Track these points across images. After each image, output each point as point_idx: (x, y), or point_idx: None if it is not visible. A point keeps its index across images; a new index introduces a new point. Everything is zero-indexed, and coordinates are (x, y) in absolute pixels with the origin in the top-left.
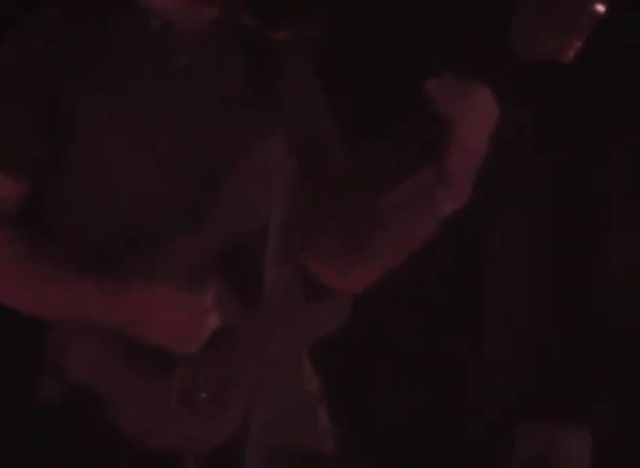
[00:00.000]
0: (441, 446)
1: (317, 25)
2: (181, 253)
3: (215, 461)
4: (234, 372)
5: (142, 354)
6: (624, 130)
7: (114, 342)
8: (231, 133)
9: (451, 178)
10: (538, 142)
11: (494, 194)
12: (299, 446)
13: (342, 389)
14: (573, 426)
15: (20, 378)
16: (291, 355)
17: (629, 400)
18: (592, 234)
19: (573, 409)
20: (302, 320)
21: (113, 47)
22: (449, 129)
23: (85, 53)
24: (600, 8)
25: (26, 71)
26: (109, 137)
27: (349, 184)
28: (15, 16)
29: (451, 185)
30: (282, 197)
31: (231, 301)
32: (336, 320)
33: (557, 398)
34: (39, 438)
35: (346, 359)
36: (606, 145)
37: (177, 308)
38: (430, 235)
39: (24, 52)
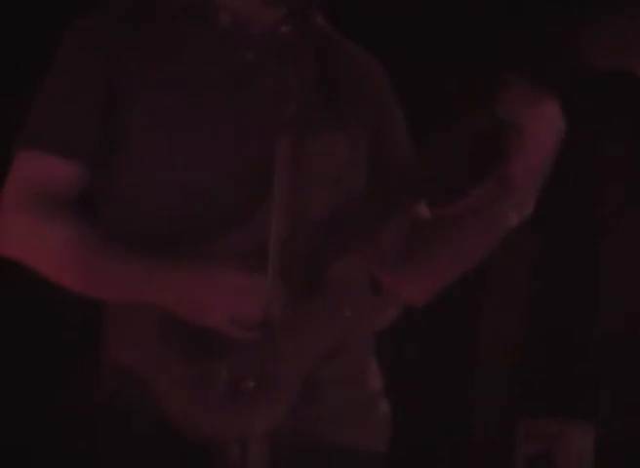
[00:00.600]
0: (444, 445)
1: None
2: (233, 245)
3: (257, 452)
4: (283, 363)
5: (192, 342)
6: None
7: (165, 330)
8: (290, 125)
9: (515, 183)
10: None
11: None
12: (350, 442)
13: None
14: (575, 422)
15: (78, 378)
16: (346, 350)
17: (632, 395)
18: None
19: (575, 405)
20: (356, 315)
21: (179, 40)
22: (516, 135)
23: (150, 44)
24: None
25: (90, 57)
26: (168, 129)
27: (406, 185)
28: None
29: (514, 191)
30: (337, 197)
31: (285, 292)
32: (387, 318)
33: (560, 395)
34: (91, 432)
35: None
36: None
37: (235, 290)
38: (495, 247)
39: (90, 37)
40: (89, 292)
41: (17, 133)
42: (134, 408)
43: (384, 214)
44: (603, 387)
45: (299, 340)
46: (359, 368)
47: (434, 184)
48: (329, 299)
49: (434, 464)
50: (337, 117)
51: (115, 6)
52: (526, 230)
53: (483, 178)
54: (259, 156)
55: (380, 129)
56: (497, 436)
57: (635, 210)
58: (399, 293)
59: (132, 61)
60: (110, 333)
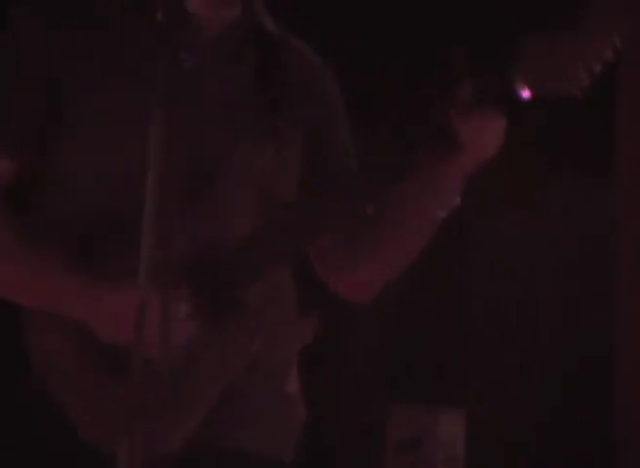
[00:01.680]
0: (315, 431)
1: None
2: (161, 251)
3: (163, 465)
4: (195, 380)
5: (104, 355)
6: None
7: (79, 342)
8: (228, 134)
9: (445, 186)
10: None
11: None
12: (256, 451)
13: None
14: (446, 409)
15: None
16: (264, 366)
17: (503, 383)
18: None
19: (447, 391)
20: (278, 330)
21: (119, 33)
22: (457, 143)
23: (89, 39)
24: (615, 41)
25: (28, 53)
26: (103, 127)
27: (347, 184)
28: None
29: (444, 191)
30: (271, 203)
31: (201, 311)
32: (306, 336)
33: (432, 381)
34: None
35: None
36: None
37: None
38: (428, 241)
39: (27, 33)
40: (11, 296)
41: None
42: (44, 413)
43: (307, 234)
44: (473, 373)
45: (215, 359)
46: (276, 373)
47: (364, 198)
48: (246, 319)
49: (307, 452)
50: (272, 125)
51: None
52: None
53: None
54: (190, 156)
55: (317, 132)
56: (367, 422)
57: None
58: (344, 294)
59: (69, 51)
60: (30, 340)
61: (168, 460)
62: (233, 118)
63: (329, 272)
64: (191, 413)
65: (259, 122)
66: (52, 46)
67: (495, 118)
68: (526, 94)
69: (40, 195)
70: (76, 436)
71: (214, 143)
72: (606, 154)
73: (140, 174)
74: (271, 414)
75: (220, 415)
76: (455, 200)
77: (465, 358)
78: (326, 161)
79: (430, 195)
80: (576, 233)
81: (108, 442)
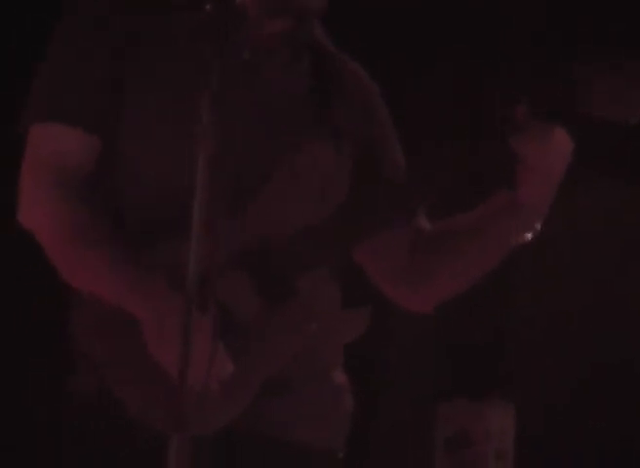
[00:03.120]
0: (363, 428)
1: None
2: (213, 243)
3: (209, 447)
4: (244, 365)
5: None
6: None
7: (128, 326)
8: (282, 132)
9: (521, 208)
10: None
11: None
12: (307, 441)
13: None
14: (494, 401)
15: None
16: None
17: (550, 376)
18: None
19: (495, 385)
20: (322, 328)
21: (180, 29)
22: (524, 167)
23: (150, 28)
24: None
25: (96, 32)
26: (161, 112)
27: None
28: None
29: (519, 215)
30: (318, 208)
31: (251, 293)
32: (355, 330)
33: (480, 375)
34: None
35: None
36: None
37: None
38: (497, 264)
39: (96, 11)
40: (78, 282)
41: (22, 110)
42: (93, 398)
43: (360, 231)
44: (522, 367)
45: (264, 345)
46: (325, 365)
47: (417, 204)
48: (297, 309)
49: (357, 448)
50: (325, 128)
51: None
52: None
53: (489, 195)
54: (244, 152)
55: (368, 142)
56: (415, 418)
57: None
58: (404, 305)
59: (134, 42)
60: (77, 326)
61: (218, 443)
62: (287, 117)
63: (391, 285)
64: (239, 396)
65: (312, 123)
66: (116, 33)
67: (554, 132)
68: (585, 115)
69: (100, 180)
70: (128, 418)
71: (268, 140)
72: None
73: (194, 167)
74: (320, 405)
75: (270, 405)
76: (535, 224)
77: (513, 352)
78: (376, 170)
79: (509, 218)
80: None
81: (159, 423)
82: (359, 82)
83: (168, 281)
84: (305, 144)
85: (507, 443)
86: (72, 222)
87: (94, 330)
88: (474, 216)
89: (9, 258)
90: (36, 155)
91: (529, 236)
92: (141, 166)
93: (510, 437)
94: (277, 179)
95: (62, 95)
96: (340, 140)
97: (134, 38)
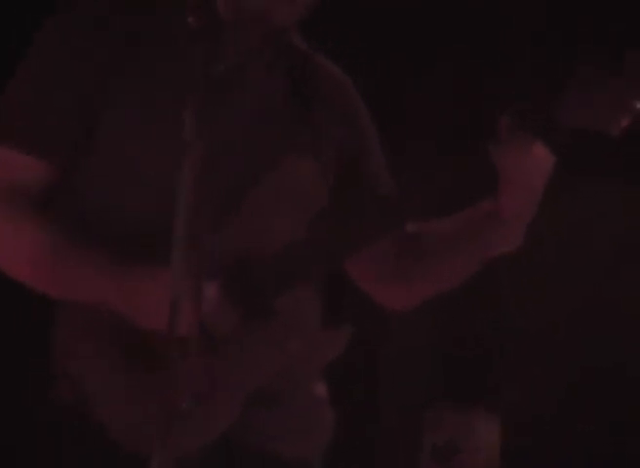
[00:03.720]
0: (355, 433)
1: None
2: (192, 254)
3: (192, 463)
4: (225, 381)
5: (135, 356)
6: None
7: (110, 342)
8: (263, 145)
9: (500, 220)
10: None
11: None
12: (288, 453)
13: None
14: (481, 412)
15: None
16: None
17: (536, 386)
18: None
19: (482, 395)
20: (302, 345)
21: (154, 45)
22: (504, 180)
23: (127, 43)
24: None
25: (67, 57)
26: (137, 130)
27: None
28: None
29: (500, 226)
30: (306, 215)
31: (231, 310)
32: (335, 349)
33: (467, 384)
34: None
35: None
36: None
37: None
38: (473, 272)
39: (67, 36)
40: (43, 286)
41: None
42: (74, 414)
43: (344, 247)
44: (507, 378)
45: (245, 362)
46: (306, 379)
47: (402, 219)
48: (278, 326)
49: (348, 450)
50: (306, 140)
51: (98, 2)
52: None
53: (471, 203)
54: (226, 166)
55: (351, 150)
56: (405, 425)
57: None
58: (387, 304)
59: (107, 60)
60: (59, 340)
61: (201, 460)
62: (267, 131)
63: (374, 286)
64: (223, 412)
65: (293, 136)
66: (90, 49)
67: (534, 146)
68: (570, 126)
69: (70, 197)
70: (108, 438)
71: (248, 155)
72: None
73: (174, 178)
74: (302, 417)
75: (253, 418)
76: (514, 236)
77: (501, 364)
78: (360, 179)
79: (489, 229)
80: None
81: (140, 442)
82: (340, 88)
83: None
84: (286, 159)
85: (494, 453)
86: (23, 236)
87: (73, 347)
88: (457, 223)
89: None
90: None
91: (509, 247)
92: (119, 179)
93: (497, 447)
94: (257, 194)
95: (21, 116)
96: (321, 150)
97: (111, 54)
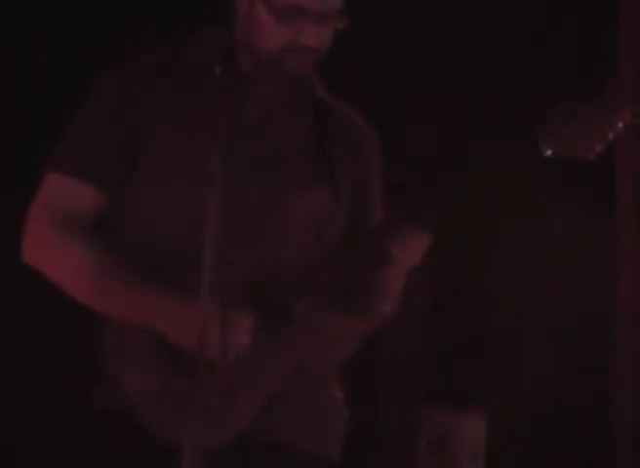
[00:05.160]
0: (357, 431)
1: None
2: (222, 275)
3: (219, 457)
4: (251, 382)
5: (170, 361)
6: None
7: (149, 350)
8: (284, 180)
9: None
10: None
11: None
12: (306, 447)
13: None
14: (468, 410)
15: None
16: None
17: (520, 387)
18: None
19: (468, 396)
20: (316, 350)
21: (190, 94)
22: (387, 262)
23: (165, 97)
24: (627, 117)
25: (118, 99)
26: (174, 166)
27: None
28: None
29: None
30: (315, 246)
31: (257, 325)
32: (346, 352)
33: (457, 387)
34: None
35: None
36: None
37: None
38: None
39: (120, 82)
40: (96, 306)
41: (48, 156)
42: (118, 411)
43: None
44: (493, 380)
45: (265, 366)
46: (325, 380)
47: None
48: (294, 333)
49: (351, 448)
50: (323, 177)
51: (143, 57)
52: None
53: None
54: (251, 197)
55: (361, 186)
56: (402, 423)
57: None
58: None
59: (150, 106)
60: (106, 348)
61: (227, 452)
62: (288, 168)
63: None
64: (245, 409)
65: (311, 172)
66: (134, 101)
67: (419, 236)
68: (548, 153)
69: (114, 226)
70: (144, 430)
71: (271, 188)
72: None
73: (205, 208)
74: (320, 414)
75: (274, 414)
76: (389, 302)
77: (487, 366)
78: (366, 213)
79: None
80: (580, 263)
81: (173, 434)
82: (354, 132)
83: (180, 297)
84: (304, 192)
85: (480, 446)
86: (85, 264)
87: (117, 349)
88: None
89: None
90: (44, 202)
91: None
92: (157, 209)
93: (482, 441)
94: (278, 222)
95: (78, 150)
96: (335, 188)
97: (150, 104)
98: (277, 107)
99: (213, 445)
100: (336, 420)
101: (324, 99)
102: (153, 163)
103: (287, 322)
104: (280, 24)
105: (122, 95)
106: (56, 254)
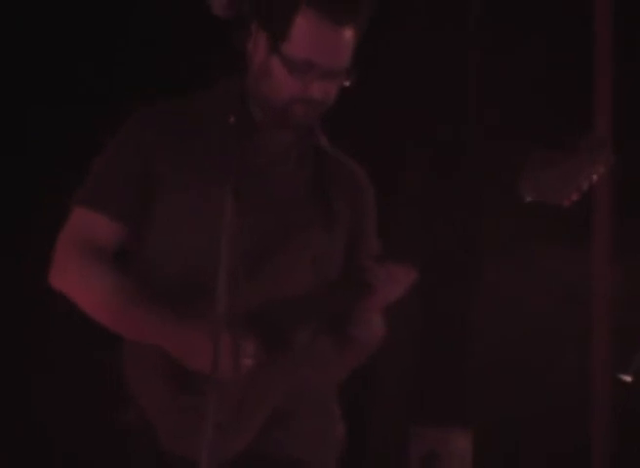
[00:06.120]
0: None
1: None
2: (232, 303)
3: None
4: (252, 402)
5: (182, 383)
6: None
7: (164, 372)
8: (287, 220)
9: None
10: None
11: None
12: (306, 460)
13: None
14: (456, 428)
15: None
16: (310, 385)
17: (503, 406)
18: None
19: (459, 414)
20: (316, 371)
21: (205, 140)
22: (370, 292)
23: (182, 141)
24: (600, 170)
25: (136, 145)
26: (188, 205)
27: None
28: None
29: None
30: (314, 277)
31: (260, 349)
32: (342, 374)
33: (446, 405)
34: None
35: None
36: None
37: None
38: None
39: (138, 130)
40: (114, 328)
41: (75, 191)
42: (136, 429)
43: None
44: (479, 399)
45: (267, 386)
46: (323, 398)
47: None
48: (294, 356)
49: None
50: (322, 218)
51: (161, 105)
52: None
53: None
54: (258, 234)
55: (357, 224)
56: (395, 439)
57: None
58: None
59: (167, 151)
60: (125, 371)
61: (234, 465)
62: (292, 210)
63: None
64: (249, 425)
65: (312, 214)
66: (151, 145)
67: (404, 272)
68: (527, 199)
69: (132, 258)
70: (160, 445)
71: (276, 228)
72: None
73: (217, 244)
74: (318, 428)
75: (275, 429)
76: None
77: (473, 388)
78: (360, 251)
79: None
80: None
81: (187, 449)
82: (351, 178)
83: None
84: (304, 232)
85: (467, 460)
86: (108, 294)
87: (136, 371)
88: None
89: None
90: (71, 232)
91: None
92: (173, 243)
93: (469, 455)
94: (282, 258)
95: (102, 186)
96: (333, 228)
97: (167, 149)
98: (282, 154)
99: (223, 458)
100: (333, 434)
101: (325, 148)
102: (169, 201)
103: (285, 347)
104: (291, 76)
105: (141, 139)
106: (78, 280)
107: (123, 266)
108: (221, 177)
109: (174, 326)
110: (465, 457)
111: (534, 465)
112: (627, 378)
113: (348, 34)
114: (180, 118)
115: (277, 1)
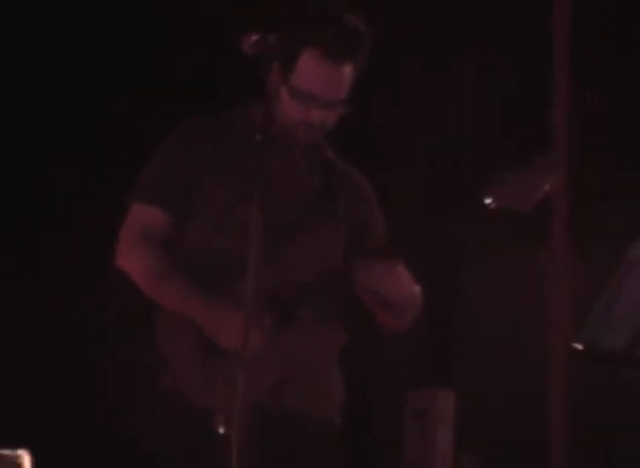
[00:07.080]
0: (358, 405)
1: None
2: (253, 287)
3: (242, 416)
4: (267, 361)
5: (207, 347)
6: None
7: (192, 337)
8: (301, 218)
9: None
10: None
11: None
12: (312, 412)
13: None
14: (442, 389)
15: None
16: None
17: (482, 375)
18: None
19: (445, 377)
20: (319, 340)
21: (233, 149)
22: (374, 296)
23: (217, 147)
24: (553, 180)
25: (182, 147)
26: (223, 203)
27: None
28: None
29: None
30: (325, 261)
31: (271, 323)
32: (340, 342)
33: (435, 369)
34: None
35: None
36: None
37: (240, 326)
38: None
39: (186, 134)
40: (158, 300)
41: (131, 189)
42: (167, 386)
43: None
44: (462, 369)
45: (276, 353)
46: (326, 363)
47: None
48: (302, 329)
49: (351, 420)
50: (330, 216)
51: (204, 119)
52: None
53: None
54: (277, 227)
55: (361, 222)
56: (395, 398)
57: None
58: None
59: (205, 155)
60: (158, 337)
61: (252, 416)
62: (304, 208)
63: (376, 312)
64: (260, 383)
65: (321, 212)
66: (192, 154)
67: (397, 265)
68: (492, 206)
69: (178, 241)
70: (189, 400)
71: (291, 223)
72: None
73: (244, 236)
74: (321, 386)
75: (283, 387)
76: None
77: (458, 359)
78: (362, 244)
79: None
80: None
81: (212, 401)
82: (355, 183)
83: (223, 304)
84: (315, 227)
85: (450, 415)
86: (153, 267)
87: (168, 334)
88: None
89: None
90: (130, 223)
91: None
92: (209, 232)
93: (452, 411)
94: (293, 250)
95: (153, 185)
96: (339, 224)
97: (205, 156)
98: (293, 166)
99: (246, 404)
100: (335, 392)
101: (331, 159)
102: (206, 200)
103: (294, 320)
104: (294, 103)
105: (184, 148)
106: (133, 261)
107: (168, 251)
108: (249, 182)
109: (201, 300)
110: (449, 411)
111: (502, 420)
112: (579, 346)
113: (348, 70)
114: (215, 133)
115: (288, 38)
